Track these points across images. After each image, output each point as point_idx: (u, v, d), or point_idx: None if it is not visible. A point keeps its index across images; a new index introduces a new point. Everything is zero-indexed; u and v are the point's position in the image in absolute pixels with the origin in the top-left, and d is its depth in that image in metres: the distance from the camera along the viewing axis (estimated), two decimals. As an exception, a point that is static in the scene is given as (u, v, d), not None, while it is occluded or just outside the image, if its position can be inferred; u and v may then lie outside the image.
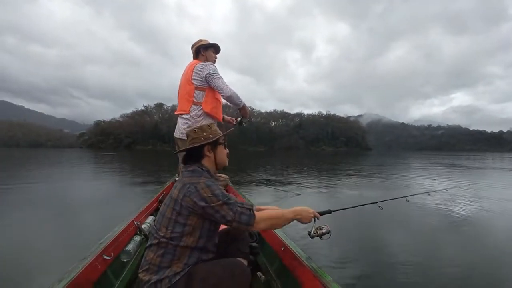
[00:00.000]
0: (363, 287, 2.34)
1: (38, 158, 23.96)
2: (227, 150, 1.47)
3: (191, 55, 2.59)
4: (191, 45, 2.57)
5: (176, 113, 2.50)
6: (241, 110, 2.53)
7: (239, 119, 2.64)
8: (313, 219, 1.35)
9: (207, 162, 1.36)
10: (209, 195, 1.13)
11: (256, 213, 1.19)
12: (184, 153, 1.40)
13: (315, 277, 1.15)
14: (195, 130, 1.37)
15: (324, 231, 1.35)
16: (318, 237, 1.36)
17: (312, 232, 1.37)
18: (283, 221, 1.26)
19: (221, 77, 2.33)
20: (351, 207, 1.64)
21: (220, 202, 1.13)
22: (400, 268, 2.66)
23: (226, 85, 2.30)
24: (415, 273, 2.57)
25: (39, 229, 3.84)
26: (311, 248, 2.77)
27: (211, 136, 1.36)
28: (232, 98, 2.34)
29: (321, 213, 1.42)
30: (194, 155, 1.36)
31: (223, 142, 1.43)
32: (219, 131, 1.42)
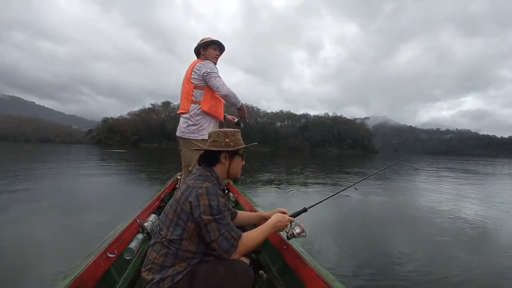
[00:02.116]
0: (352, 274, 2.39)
1: (55, 155, 24.37)
2: (244, 162, 1.44)
3: None
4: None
5: (178, 112, 2.51)
6: (239, 110, 2.52)
7: (236, 120, 2.62)
8: (289, 223, 1.40)
9: (219, 169, 1.34)
10: (204, 203, 1.12)
11: (239, 243, 1.17)
12: (196, 153, 1.34)
13: (318, 276, 1.15)
14: (218, 133, 1.33)
15: (298, 231, 1.39)
16: (294, 237, 1.41)
17: (288, 234, 1.41)
18: (260, 243, 1.28)
19: (218, 76, 2.30)
20: (325, 199, 1.63)
21: (211, 217, 1.11)
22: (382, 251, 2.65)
23: (223, 84, 2.26)
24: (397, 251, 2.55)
25: (57, 224, 3.92)
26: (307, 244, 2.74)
27: (232, 144, 1.33)
28: (228, 98, 2.29)
29: (296, 214, 1.48)
30: (209, 158, 1.33)
31: (242, 153, 1.41)
32: (242, 141, 1.39)
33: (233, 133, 1.36)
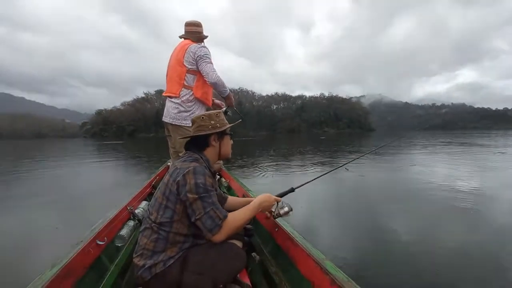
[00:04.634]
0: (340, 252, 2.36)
1: (54, 150, 24.16)
2: (232, 141, 1.45)
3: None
4: (189, 23, 2.42)
5: (164, 94, 2.39)
6: (226, 99, 2.49)
7: (224, 108, 2.58)
8: (276, 202, 1.42)
9: (210, 152, 1.33)
10: (190, 182, 1.11)
11: (224, 223, 1.14)
12: (185, 139, 1.37)
13: (308, 256, 1.18)
14: (202, 117, 1.32)
15: (285, 210, 1.42)
16: (281, 217, 1.45)
17: (275, 213, 1.44)
18: (245, 224, 1.27)
19: (210, 62, 2.23)
20: (313, 179, 1.65)
21: (196, 196, 1.10)
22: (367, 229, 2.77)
23: (213, 71, 2.20)
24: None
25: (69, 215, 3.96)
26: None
27: (218, 125, 1.33)
28: (217, 86, 2.25)
29: (283, 194, 1.50)
30: (198, 143, 1.32)
31: (230, 132, 1.41)
32: (226, 121, 1.40)
33: (217, 114, 1.36)
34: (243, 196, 2.26)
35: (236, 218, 1.20)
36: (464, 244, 2.75)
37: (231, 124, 1.41)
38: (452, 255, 2.49)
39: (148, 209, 1.19)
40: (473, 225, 3.28)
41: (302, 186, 1.58)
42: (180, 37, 2.46)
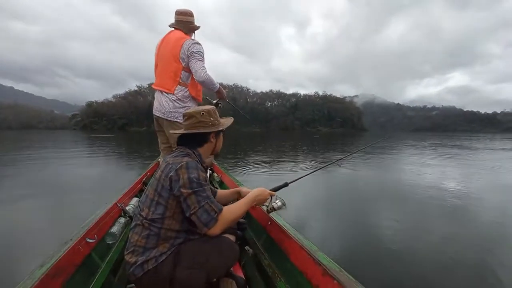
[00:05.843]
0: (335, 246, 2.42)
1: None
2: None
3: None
4: (181, 12, 2.31)
5: (155, 87, 2.33)
6: (217, 93, 2.47)
7: (215, 101, 2.61)
8: (270, 197, 1.43)
9: (206, 148, 1.33)
10: (184, 177, 1.09)
11: (220, 217, 1.13)
12: (177, 134, 1.34)
13: (301, 248, 1.18)
14: (202, 113, 1.29)
15: (279, 204, 1.44)
16: (275, 211, 1.47)
17: (268, 208, 1.46)
18: (241, 217, 1.26)
19: (201, 60, 2.19)
20: (307, 175, 1.67)
21: (190, 190, 1.08)
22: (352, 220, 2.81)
23: (202, 68, 2.15)
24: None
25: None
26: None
27: (216, 122, 1.33)
28: (205, 84, 2.22)
29: (277, 189, 1.50)
30: (196, 138, 1.30)
31: (224, 130, 1.42)
32: (220, 118, 1.41)
33: (214, 111, 1.35)
34: None
35: (231, 211, 1.20)
36: (450, 239, 2.85)
37: (229, 123, 1.43)
38: (440, 251, 2.56)
39: (139, 206, 1.18)
40: (459, 220, 3.38)
41: (296, 181, 1.59)
42: (170, 25, 2.36)
